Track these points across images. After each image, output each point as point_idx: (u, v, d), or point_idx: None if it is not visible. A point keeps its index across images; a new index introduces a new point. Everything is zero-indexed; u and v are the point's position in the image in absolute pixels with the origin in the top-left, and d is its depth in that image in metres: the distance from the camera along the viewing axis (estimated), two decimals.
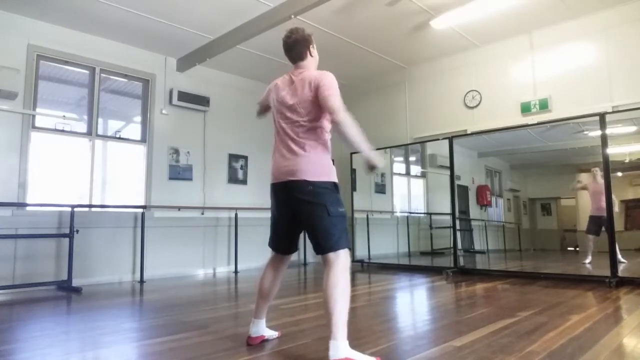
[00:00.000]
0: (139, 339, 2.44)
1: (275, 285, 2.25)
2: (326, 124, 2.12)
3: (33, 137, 4.66)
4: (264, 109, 2.48)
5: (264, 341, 2.25)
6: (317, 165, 2.03)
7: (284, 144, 2.13)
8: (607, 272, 4.14)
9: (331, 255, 1.95)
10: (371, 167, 2.06)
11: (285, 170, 2.06)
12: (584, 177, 5.75)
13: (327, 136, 2.14)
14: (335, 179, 2.07)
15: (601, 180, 4.41)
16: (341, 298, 1.86)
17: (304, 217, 2.03)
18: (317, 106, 2.04)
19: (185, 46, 5.45)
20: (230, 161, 6.29)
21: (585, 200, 7.50)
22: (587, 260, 5.30)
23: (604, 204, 4.30)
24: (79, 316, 3.06)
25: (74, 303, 3.64)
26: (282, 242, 2.21)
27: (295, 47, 2.19)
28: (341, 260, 1.95)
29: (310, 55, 2.22)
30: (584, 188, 5.59)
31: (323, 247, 1.97)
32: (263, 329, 2.26)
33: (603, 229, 4.97)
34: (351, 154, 6.33)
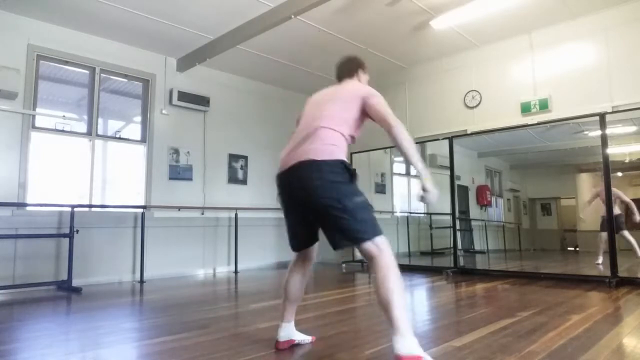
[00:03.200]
0: (139, 339, 2.44)
1: (301, 286, 2.15)
2: (349, 133, 2.00)
3: (33, 137, 4.66)
4: None
5: (294, 346, 2.16)
6: (327, 151, 1.88)
7: (299, 135, 2.00)
8: (607, 272, 4.15)
9: (368, 245, 1.79)
10: (423, 194, 1.85)
11: (293, 155, 1.94)
12: (587, 179, 5.72)
13: (345, 143, 1.99)
14: (344, 158, 1.91)
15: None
16: (395, 291, 1.73)
17: (316, 212, 1.88)
18: (352, 115, 1.98)
19: (185, 46, 5.45)
20: (230, 161, 6.29)
21: (586, 200, 7.51)
22: (599, 261, 5.25)
23: (617, 206, 4.43)
24: (79, 316, 3.06)
25: (74, 303, 3.64)
26: (299, 238, 2.09)
27: (347, 64, 2.25)
28: (382, 249, 1.80)
29: (358, 76, 2.23)
30: (597, 195, 5.53)
31: (353, 241, 1.83)
32: (293, 333, 2.16)
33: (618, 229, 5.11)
34: (351, 153, 6.33)
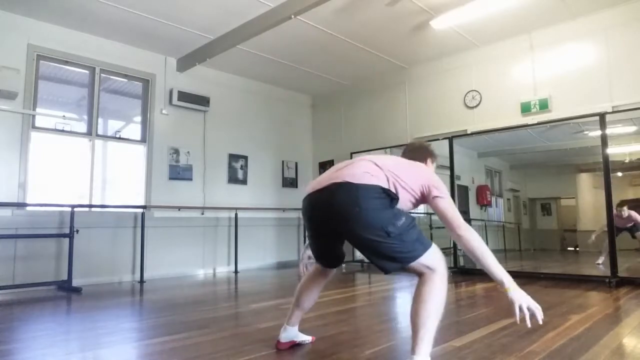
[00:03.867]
0: (139, 339, 2.44)
1: (315, 297, 2.12)
2: (408, 203, 1.80)
3: (33, 137, 4.66)
4: None
5: (294, 346, 2.16)
6: (365, 177, 1.70)
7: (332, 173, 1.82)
8: (607, 272, 4.15)
9: (416, 265, 1.68)
10: (519, 310, 1.55)
11: (322, 183, 1.80)
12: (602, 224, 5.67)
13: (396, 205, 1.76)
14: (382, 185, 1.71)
15: (626, 214, 4.65)
16: (434, 314, 1.64)
17: (355, 240, 1.73)
18: (410, 193, 1.76)
19: (185, 46, 5.45)
20: (230, 161, 6.29)
21: (586, 200, 7.51)
22: (600, 261, 5.23)
23: (629, 222, 4.52)
24: (79, 316, 3.06)
25: (74, 303, 3.64)
26: (326, 257, 2.01)
27: (420, 150, 2.10)
28: (434, 267, 1.69)
29: (425, 163, 2.04)
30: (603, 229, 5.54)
31: (401, 263, 1.70)
32: (295, 335, 2.17)
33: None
34: (351, 153, 6.34)
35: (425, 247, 1.70)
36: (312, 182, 1.89)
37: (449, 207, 1.71)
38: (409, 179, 1.75)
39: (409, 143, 2.19)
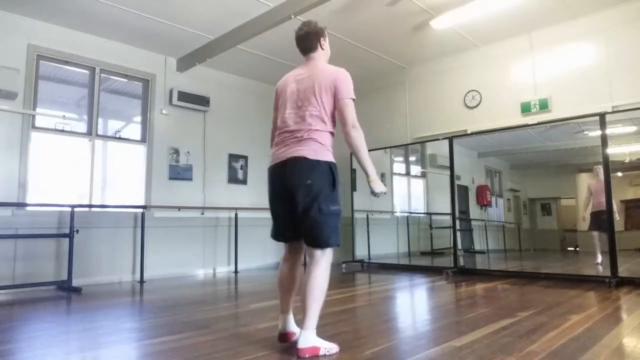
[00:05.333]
0: (139, 339, 2.44)
1: (294, 276, 2.21)
2: (330, 120, 2.13)
3: (33, 137, 4.66)
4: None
5: (294, 345, 2.05)
6: (318, 150, 2.05)
7: (288, 132, 2.13)
8: (607, 272, 4.15)
9: (318, 252, 2.03)
10: (373, 193, 2.11)
11: (286, 152, 2.09)
12: (586, 179, 5.69)
13: (331, 129, 2.15)
14: (333, 159, 2.10)
15: (602, 177, 4.42)
16: (320, 296, 1.99)
17: (299, 206, 2.03)
18: (329, 103, 2.08)
19: (185, 46, 5.45)
20: (230, 161, 6.29)
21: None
22: (598, 260, 5.22)
23: (604, 199, 4.33)
24: (79, 316, 3.06)
25: (74, 303, 3.64)
26: (286, 230, 2.18)
27: (308, 38, 2.22)
28: (326, 258, 2.05)
29: (322, 47, 2.24)
30: (590, 192, 5.53)
31: (314, 243, 2.03)
32: (291, 325, 2.20)
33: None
34: (351, 153, 6.31)
35: (337, 242, 2.06)
36: (272, 153, 2.20)
37: (349, 105, 2.06)
38: (330, 101, 2.08)
39: (296, 33, 2.23)
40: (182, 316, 3.00)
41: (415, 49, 5.70)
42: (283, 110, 2.18)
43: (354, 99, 2.09)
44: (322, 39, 2.24)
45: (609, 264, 4.16)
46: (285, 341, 2.18)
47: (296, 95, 2.14)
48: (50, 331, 2.61)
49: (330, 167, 2.06)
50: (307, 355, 1.93)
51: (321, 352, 1.97)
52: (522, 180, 8.35)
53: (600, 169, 4.87)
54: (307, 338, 1.95)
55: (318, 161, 2.02)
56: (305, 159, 2.02)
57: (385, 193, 2.11)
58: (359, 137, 2.06)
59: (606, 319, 2.69)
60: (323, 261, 2.03)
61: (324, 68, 2.15)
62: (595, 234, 5.31)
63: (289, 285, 2.19)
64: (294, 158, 2.04)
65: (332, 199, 2.04)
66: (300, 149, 2.04)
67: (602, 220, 5.00)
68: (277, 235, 2.22)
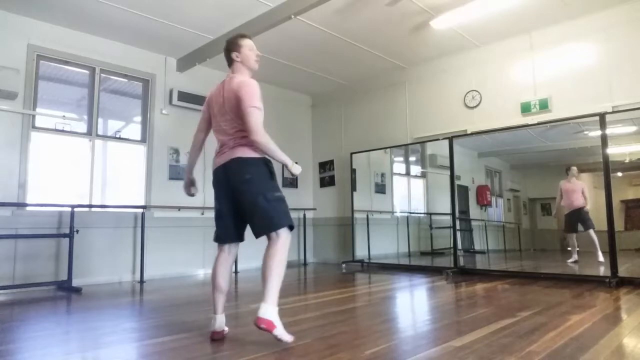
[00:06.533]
0: (139, 339, 2.44)
1: (228, 278, 2.40)
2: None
3: (33, 137, 4.66)
4: (207, 125, 2.60)
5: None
6: (249, 152, 2.27)
7: (222, 140, 2.38)
8: (607, 272, 4.14)
9: (273, 234, 2.19)
10: (293, 175, 2.38)
11: (222, 157, 2.32)
12: (561, 184, 5.70)
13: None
14: (266, 157, 2.30)
15: (574, 179, 4.55)
16: (277, 268, 2.13)
17: (246, 200, 2.23)
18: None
19: (185, 46, 5.45)
20: None
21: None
22: (572, 260, 5.28)
23: (577, 201, 4.49)
24: (79, 316, 3.06)
25: (74, 303, 3.64)
26: (227, 230, 2.36)
27: (225, 55, 2.42)
28: (282, 240, 2.19)
29: (237, 59, 2.38)
30: (561, 195, 5.60)
31: (267, 227, 2.18)
32: (224, 323, 2.38)
33: (580, 226, 5.14)
34: (351, 153, 6.33)
35: (288, 222, 2.22)
36: (213, 160, 2.45)
37: (250, 113, 2.19)
38: (235, 105, 2.25)
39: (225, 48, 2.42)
40: (182, 316, 3.00)
41: (415, 49, 5.70)
42: (215, 121, 2.42)
43: (257, 107, 2.21)
44: (233, 53, 2.37)
45: (609, 264, 4.16)
46: (221, 339, 2.33)
47: (220, 107, 2.34)
48: (50, 331, 2.61)
49: (264, 162, 2.28)
50: (262, 326, 2.04)
51: (275, 332, 2.07)
52: (522, 180, 8.34)
53: (572, 171, 5.01)
54: (267, 310, 2.06)
55: (252, 158, 2.25)
56: (240, 158, 2.24)
57: (301, 170, 2.41)
58: (265, 142, 2.22)
59: (606, 319, 2.69)
60: (279, 242, 2.17)
61: (232, 81, 2.31)
62: (573, 235, 5.36)
63: (225, 286, 2.37)
64: (230, 160, 2.27)
65: (273, 187, 2.25)
66: (234, 152, 2.27)
67: (576, 222, 5.11)
68: (218, 237, 2.40)
